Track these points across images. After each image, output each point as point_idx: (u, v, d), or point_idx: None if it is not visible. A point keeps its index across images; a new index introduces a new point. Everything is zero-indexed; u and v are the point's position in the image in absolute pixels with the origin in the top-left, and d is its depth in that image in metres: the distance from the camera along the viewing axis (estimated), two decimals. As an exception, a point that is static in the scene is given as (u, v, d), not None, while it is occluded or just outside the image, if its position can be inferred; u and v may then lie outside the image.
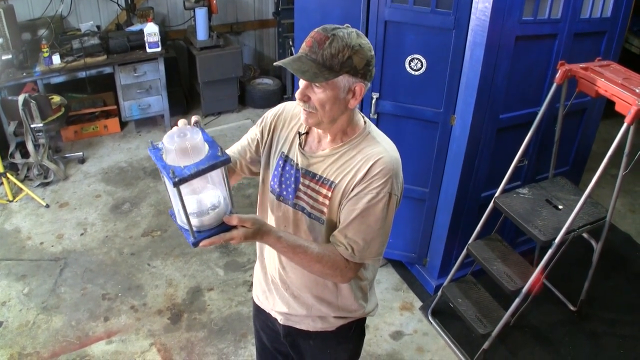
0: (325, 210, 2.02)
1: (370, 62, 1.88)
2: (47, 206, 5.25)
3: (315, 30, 1.85)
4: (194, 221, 1.74)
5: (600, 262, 3.87)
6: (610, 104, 3.29)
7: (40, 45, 5.66)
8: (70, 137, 6.36)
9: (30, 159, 5.48)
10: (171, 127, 5.58)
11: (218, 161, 1.64)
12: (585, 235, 3.75)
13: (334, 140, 2.02)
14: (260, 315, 2.53)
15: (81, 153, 6.03)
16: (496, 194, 3.66)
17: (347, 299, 2.26)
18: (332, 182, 1.98)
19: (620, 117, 3.10)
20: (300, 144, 2.08)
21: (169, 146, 1.63)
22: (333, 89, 1.85)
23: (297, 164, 2.07)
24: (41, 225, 5.02)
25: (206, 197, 1.76)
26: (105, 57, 5.94)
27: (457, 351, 3.86)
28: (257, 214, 2.30)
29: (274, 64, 1.92)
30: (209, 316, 4.11)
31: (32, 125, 5.26)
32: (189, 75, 7.24)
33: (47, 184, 5.58)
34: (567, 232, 3.34)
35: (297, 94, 1.91)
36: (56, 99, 5.70)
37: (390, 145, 2.04)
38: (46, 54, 5.63)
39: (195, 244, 1.74)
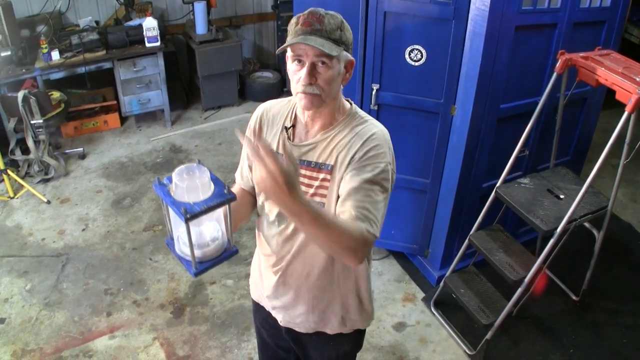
0: (325, 193, 2.01)
1: (352, 39, 1.95)
2: (48, 202, 5.25)
3: (304, 14, 1.87)
4: (196, 252, 1.78)
5: (602, 252, 3.87)
6: (610, 93, 3.29)
7: (39, 41, 5.64)
8: (70, 133, 6.35)
9: (31, 156, 5.47)
10: (171, 122, 5.60)
11: (225, 199, 1.69)
12: (587, 224, 3.76)
13: (323, 126, 2.02)
14: (260, 312, 2.53)
15: (81, 149, 6.03)
16: (497, 184, 3.66)
17: (351, 307, 2.31)
18: (329, 164, 1.99)
19: (621, 107, 3.09)
20: (288, 138, 2.08)
21: (179, 183, 1.68)
22: (337, 64, 1.89)
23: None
24: (42, 221, 5.02)
25: (206, 229, 1.81)
26: (104, 52, 5.94)
27: (459, 342, 3.86)
28: (258, 216, 2.29)
29: (277, 51, 1.92)
30: (212, 310, 4.12)
31: (32, 122, 5.25)
32: (188, 69, 7.23)
33: (48, 180, 5.58)
34: (569, 222, 3.34)
35: (303, 79, 1.87)
36: (56, 95, 5.69)
37: (376, 121, 2.07)
38: (45, 50, 5.62)
39: (197, 274, 1.79)
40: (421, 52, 3.57)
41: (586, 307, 4.16)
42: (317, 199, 2.02)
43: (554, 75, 3.42)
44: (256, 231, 2.32)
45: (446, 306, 4.09)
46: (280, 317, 2.39)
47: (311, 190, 2.03)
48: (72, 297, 4.21)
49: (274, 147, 2.10)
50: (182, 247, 1.80)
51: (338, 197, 1.96)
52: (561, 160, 4.21)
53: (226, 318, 4.05)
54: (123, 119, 6.63)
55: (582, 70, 3.38)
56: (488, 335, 3.63)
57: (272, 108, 2.17)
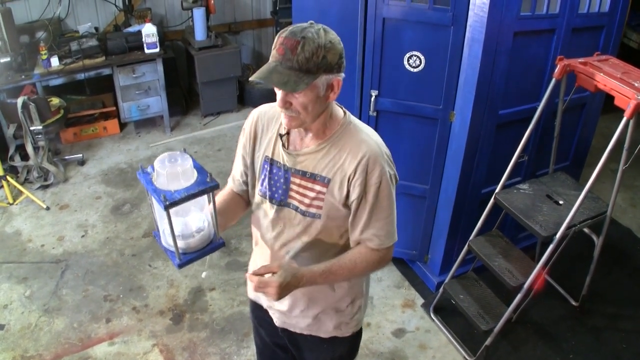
0: (322, 204, 2.03)
1: (342, 55, 1.88)
2: (48, 208, 5.25)
3: (283, 35, 1.83)
4: (180, 243, 1.80)
5: (602, 257, 3.87)
6: (609, 98, 3.29)
7: (38, 47, 5.66)
8: (69, 139, 6.36)
9: (30, 162, 5.48)
10: (171, 128, 5.62)
11: (207, 187, 1.71)
12: (586, 230, 3.76)
13: (316, 135, 2.02)
14: (257, 310, 2.54)
15: (81, 155, 6.03)
16: (496, 190, 3.66)
17: (344, 312, 2.36)
18: (326, 177, 2.00)
19: (620, 112, 3.09)
20: (283, 145, 2.08)
21: (161, 170, 1.70)
22: (312, 90, 1.85)
23: (284, 165, 2.07)
24: (42, 227, 5.02)
25: (192, 220, 1.83)
26: (103, 58, 5.95)
27: (459, 347, 3.86)
28: (252, 221, 2.31)
29: (250, 78, 1.90)
30: (211, 316, 4.11)
31: (31, 128, 5.26)
32: (187, 75, 7.24)
33: (47, 186, 5.58)
34: (568, 227, 3.34)
35: (278, 102, 1.90)
36: (55, 101, 5.70)
37: (371, 131, 2.07)
38: (44, 57, 5.63)
39: (181, 266, 1.81)
40: (420, 59, 3.58)
41: (586, 312, 4.15)
42: (313, 210, 2.05)
43: (553, 80, 3.42)
44: (252, 229, 2.34)
45: (446, 312, 4.08)
46: (276, 317, 2.42)
47: (306, 201, 2.05)
48: (72, 304, 4.21)
49: (269, 152, 2.11)
50: (167, 238, 1.80)
51: (336, 208, 2.04)
52: (560, 165, 4.22)
53: (225, 324, 4.04)
54: (122, 125, 6.63)
55: (580, 76, 3.38)
56: (488, 341, 3.63)
57: (267, 112, 2.18)
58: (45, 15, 6.12)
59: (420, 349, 3.91)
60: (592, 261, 3.87)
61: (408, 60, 3.61)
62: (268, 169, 2.11)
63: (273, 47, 1.86)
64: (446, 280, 3.94)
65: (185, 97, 7.20)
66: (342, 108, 2.10)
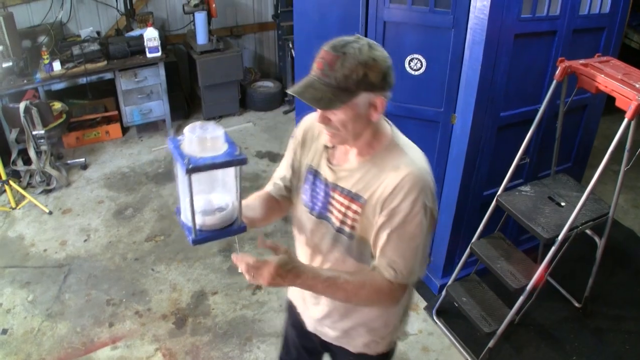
0: (356, 226, 1.96)
1: (387, 73, 1.79)
2: (50, 213, 5.26)
3: (324, 48, 1.76)
4: (199, 219, 1.74)
5: (604, 259, 3.87)
6: (611, 100, 3.28)
7: (40, 52, 5.68)
8: (72, 144, 6.37)
9: (33, 166, 5.49)
10: (173, 132, 5.62)
11: (234, 159, 1.64)
12: (588, 231, 3.74)
13: (360, 153, 1.95)
14: (293, 310, 2.51)
15: (83, 159, 6.05)
16: (498, 192, 3.66)
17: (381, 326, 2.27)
18: (362, 197, 1.92)
19: (621, 113, 3.09)
20: (327, 159, 2.04)
21: (190, 134, 1.64)
22: (353, 109, 1.78)
23: (325, 178, 2.03)
24: (44, 232, 5.03)
25: (215, 198, 1.78)
26: (105, 62, 5.96)
27: (462, 350, 3.86)
28: (294, 223, 2.27)
29: (287, 90, 1.83)
30: (214, 320, 4.11)
31: (33, 133, 5.26)
32: (189, 79, 7.25)
33: (50, 190, 5.59)
34: (570, 229, 3.33)
35: (317, 118, 1.85)
36: (57, 105, 5.71)
37: (417, 154, 1.96)
38: (46, 61, 5.65)
39: (195, 242, 1.74)
40: (421, 61, 3.58)
41: (589, 313, 4.15)
42: (347, 228, 1.99)
43: (554, 82, 3.42)
44: (294, 232, 2.30)
45: (448, 315, 4.08)
46: (308, 322, 2.40)
47: (342, 218, 2.00)
48: (74, 308, 4.21)
49: (315, 162, 2.09)
50: (187, 213, 1.74)
51: (372, 235, 1.94)
52: (562, 167, 4.21)
53: (228, 328, 4.04)
54: (124, 129, 6.64)
55: (581, 78, 3.37)
56: (490, 344, 3.62)
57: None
58: (47, 20, 6.14)
59: (423, 351, 3.90)
60: (595, 263, 3.86)
61: (409, 63, 3.61)
62: (311, 179, 2.09)
63: (314, 59, 1.79)
64: (449, 283, 3.94)
65: (187, 101, 7.21)
66: (389, 124, 2.02)
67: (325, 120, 1.83)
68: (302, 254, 2.23)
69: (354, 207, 1.94)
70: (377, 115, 1.84)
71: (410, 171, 1.85)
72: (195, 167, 1.58)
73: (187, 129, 1.67)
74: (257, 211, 2.14)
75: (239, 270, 1.77)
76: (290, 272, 1.76)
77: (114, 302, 4.27)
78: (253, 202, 2.16)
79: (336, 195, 2.00)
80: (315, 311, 2.29)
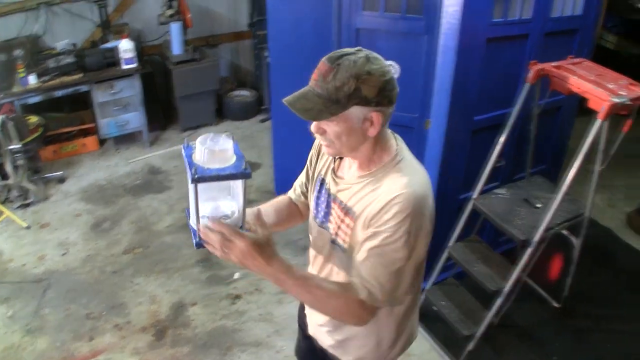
0: (347, 240, 1.95)
1: (384, 88, 1.74)
2: (28, 227, 5.22)
3: (322, 59, 1.75)
4: (205, 223, 1.78)
5: (582, 258, 3.92)
6: (585, 101, 3.31)
7: (16, 65, 5.63)
8: (49, 157, 6.31)
9: (10, 181, 5.44)
10: (150, 143, 5.60)
11: (239, 172, 1.68)
12: (564, 232, 3.77)
13: (360, 167, 1.93)
14: (301, 311, 2.52)
15: (61, 172, 6.00)
16: (474, 196, 3.68)
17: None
18: (355, 212, 1.90)
19: (596, 114, 3.12)
20: (334, 169, 2.05)
21: (200, 145, 1.70)
22: (345, 121, 1.76)
23: (329, 189, 2.04)
24: (22, 246, 4.98)
25: (223, 205, 1.81)
26: (81, 75, 5.92)
27: (442, 353, 3.86)
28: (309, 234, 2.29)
29: (282, 100, 1.80)
30: (193, 331, 4.10)
31: (10, 147, 5.22)
32: (166, 90, 7.21)
33: (27, 205, 5.54)
34: (546, 230, 3.36)
35: (312, 127, 1.84)
36: (33, 119, 5.67)
37: (418, 177, 1.88)
38: (22, 74, 5.61)
39: (198, 245, 1.79)
40: (395, 68, 3.59)
41: (568, 313, 4.18)
42: (340, 241, 1.99)
43: (526, 85, 3.45)
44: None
45: (428, 318, 4.07)
46: (310, 325, 2.40)
47: (337, 230, 2.01)
48: (54, 323, 4.18)
49: (324, 172, 2.10)
50: (194, 218, 1.80)
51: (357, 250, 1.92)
52: (538, 168, 4.24)
53: (208, 339, 4.02)
54: (102, 142, 6.60)
55: (554, 80, 3.41)
56: (470, 346, 3.64)
57: None
58: (23, 33, 6.09)
59: (403, 356, 3.87)
60: (572, 263, 3.89)
61: (383, 69, 3.62)
62: (319, 188, 2.11)
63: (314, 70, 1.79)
64: (427, 287, 3.95)
65: (164, 111, 7.18)
66: (397, 142, 1.98)
67: (320, 131, 1.83)
68: (310, 255, 2.27)
69: (347, 220, 1.94)
70: (374, 130, 1.80)
71: (403, 193, 1.78)
72: (200, 178, 1.65)
73: (198, 140, 1.71)
74: (270, 217, 2.19)
75: (210, 246, 1.75)
76: (262, 254, 1.71)
77: (93, 316, 4.24)
78: (268, 208, 2.21)
79: (335, 207, 2.00)
80: (316, 316, 2.29)
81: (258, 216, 1.94)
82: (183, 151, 1.76)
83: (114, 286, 4.53)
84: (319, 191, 2.10)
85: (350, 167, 2.00)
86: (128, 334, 4.08)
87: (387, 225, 1.77)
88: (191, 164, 1.69)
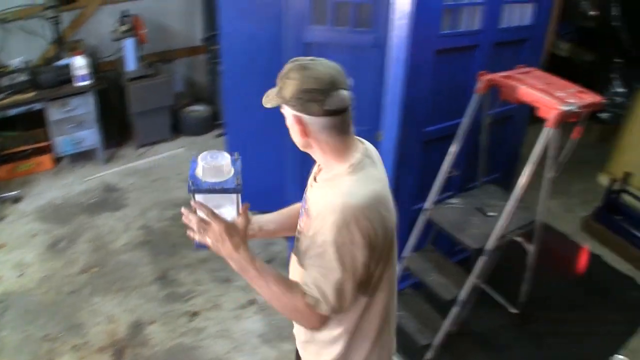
0: (301, 238, 2.02)
1: (298, 96, 1.81)
2: (-17, 249, 5.14)
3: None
4: None
5: (539, 263, 3.97)
6: (536, 109, 3.36)
7: (-32, 85, 5.56)
8: (3, 177, 6.21)
9: (-37, 202, 5.36)
10: (106, 160, 5.54)
11: (229, 188, 1.89)
12: (518, 239, 3.82)
13: (324, 171, 2.02)
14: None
15: (16, 192, 5.90)
16: (425, 206, 3.71)
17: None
18: (311, 213, 1.95)
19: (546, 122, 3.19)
20: (315, 173, 2.11)
21: (201, 162, 1.92)
22: (287, 117, 1.91)
23: (307, 189, 2.13)
24: (-23, 269, 4.90)
25: (225, 211, 1.95)
26: (35, 93, 5.84)
27: (402, 364, 3.89)
28: None
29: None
30: (152, 349, 4.05)
31: (-38, 168, 5.15)
32: (120, 106, 7.14)
33: (-18, 226, 5.46)
34: (499, 238, 3.40)
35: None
36: (-14, 139, 5.60)
37: (366, 190, 1.87)
38: (-25, 94, 5.53)
39: (198, 247, 1.98)
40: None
41: (526, 319, 4.22)
42: (298, 244, 2.08)
43: (476, 96, 3.49)
44: None
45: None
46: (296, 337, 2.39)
47: (299, 228, 2.09)
48: (12, 345, 4.11)
49: (313, 173, 2.13)
50: None
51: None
52: (491, 177, 4.29)
53: (167, 357, 3.99)
54: (57, 160, 6.50)
55: (503, 90, 3.46)
56: (429, 355, 3.66)
57: None
58: (-24, 52, 6.02)
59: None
60: (528, 268, 3.94)
61: (335, 83, 3.63)
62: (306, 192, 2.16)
63: None
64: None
65: (119, 128, 7.10)
66: (364, 157, 2.01)
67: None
68: None
69: (305, 219, 2.01)
70: (304, 134, 1.90)
71: (342, 202, 1.80)
72: (195, 190, 1.89)
73: (200, 156, 1.93)
74: (275, 223, 2.32)
75: (190, 230, 1.96)
76: (232, 239, 1.87)
77: (50, 337, 4.17)
78: (273, 216, 2.34)
79: (305, 206, 2.07)
80: (297, 328, 2.31)
81: (244, 210, 1.95)
82: (191, 164, 1.97)
83: (72, 306, 4.46)
84: (305, 191, 2.16)
85: (321, 171, 2.06)
86: (86, 355, 4.02)
87: (321, 234, 1.82)
88: (192, 175, 1.91)
